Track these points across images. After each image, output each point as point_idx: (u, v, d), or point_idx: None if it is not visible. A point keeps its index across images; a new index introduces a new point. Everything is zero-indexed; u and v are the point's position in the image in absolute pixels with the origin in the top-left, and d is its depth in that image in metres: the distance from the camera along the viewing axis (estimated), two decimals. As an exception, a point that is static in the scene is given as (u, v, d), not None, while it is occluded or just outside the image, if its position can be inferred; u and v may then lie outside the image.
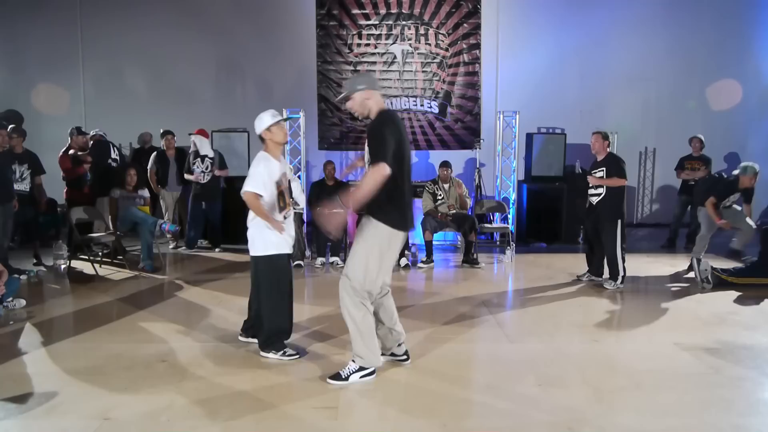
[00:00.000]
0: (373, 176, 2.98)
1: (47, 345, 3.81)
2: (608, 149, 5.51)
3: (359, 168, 3.40)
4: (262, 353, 3.57)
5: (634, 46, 9.34)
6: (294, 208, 3.83)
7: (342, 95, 3.19)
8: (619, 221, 5.34)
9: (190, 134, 7.37)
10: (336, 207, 3.12)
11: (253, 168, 3.46)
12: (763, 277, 5.36)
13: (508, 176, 8.21)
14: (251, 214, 3.47)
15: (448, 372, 3.37)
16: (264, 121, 3.50)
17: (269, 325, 3.55)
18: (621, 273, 5.36)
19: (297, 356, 3.55)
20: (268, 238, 3.45)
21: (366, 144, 3.21)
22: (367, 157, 3.21)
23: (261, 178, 3.40)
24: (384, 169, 2.98)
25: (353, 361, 3.21)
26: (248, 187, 3.38)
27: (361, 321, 3.15)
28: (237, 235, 7.60)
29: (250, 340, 3.82)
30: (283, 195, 3.54)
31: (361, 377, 3.18)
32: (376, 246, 3.12)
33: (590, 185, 5.50)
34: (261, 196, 3.40)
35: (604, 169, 5.38)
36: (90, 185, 6.88)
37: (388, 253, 3.18)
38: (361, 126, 8.62)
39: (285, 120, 3.64)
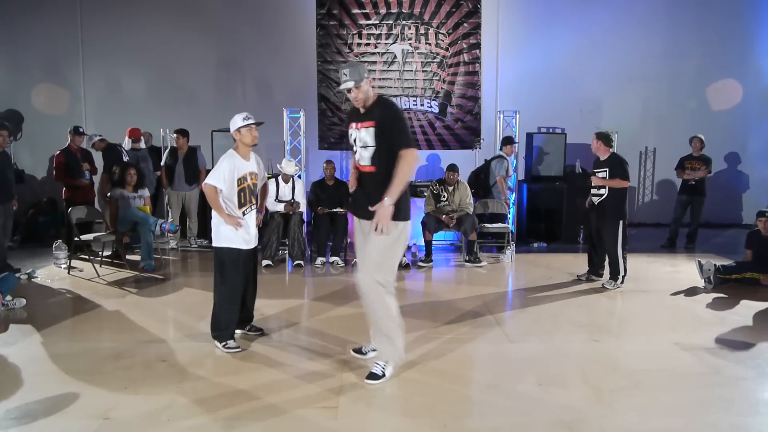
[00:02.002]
0: (409, 163, 3.06)
1: (47, 345, 3.81)
2: (611, 149, 5.49)
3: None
4: (215, 342, 3.76)
5: (634, 46, 9.34)
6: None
7: (350, 84, 3.11)
8: (621, 222, 5.35)
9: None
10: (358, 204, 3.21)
11: (218, 164, 3.68)
12: (761, 273, 5.36)
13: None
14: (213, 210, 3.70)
15: (449, 371, 3.38)
16: (236, 122, 3.69)
17: (215, 315, 3.77)
18: (622, 273, 5.38)
19: (238, 350, 3.68)
20: (222, 231, 3.69)
21: (370, 131, 3.17)
22: (368, 141, 3.17)
23: (222, 174, 3.61)
24: (416, 154, 3.09)
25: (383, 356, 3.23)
26: (209, 181, 3.63)
27: (392, 315, 3.18)
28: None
29: (245, 332, 3.96)
30: (244, 192, 3.72)
31: (394, 369, 3.23)
32: (394, 242, 3.14)
33: (592, 185, 5.51)
34: (221, 190, 3.62)
35: (607, 169, 5.38)
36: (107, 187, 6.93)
37: (404, 242, 3.23)
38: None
39: (258, 124, 3.74)
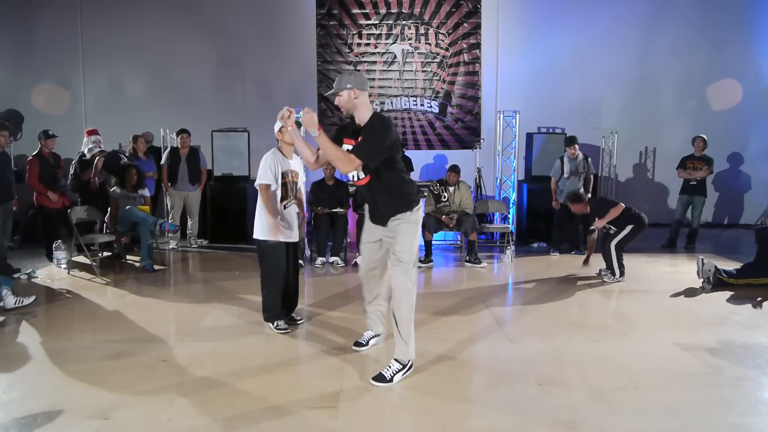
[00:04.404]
0: (343, 161, 3.07)
1: (47, 345, 3.81)
2: (586, 203, 5.95)
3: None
4: (266, 323, 4.10)
5: (634, 46, 9.35)
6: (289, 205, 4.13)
7: (331, 91, 3.25)
8: (630, 226, 5.61)
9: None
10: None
11: (263, 163, 3.94)
12: (761, 277, 5.37)
13: (508, 176, 8.22)
14: (258, 203, 3.95)
15: (448, 371, 3.37)
16: (277, 124, 3.95)
17: (264, 301, 4.06)
18: (617, 268, 5.56)
19: (287, 330, 4.01)
20: (264, 224, 3.93)
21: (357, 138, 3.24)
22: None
23: (267, 169, 3.90)
24: (354, 164, 3.09)
25: (396, 360, 3.23)
26: (259, 180, 3.91)
27: (411, 313, 3.23)
28: (236, 233, 7.68)
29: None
30: (286, 186, 3.99)
31: (403, 375, 3.21)
32: (415, 226, 3.27)
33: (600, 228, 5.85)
34: (270, 186, 3.88)
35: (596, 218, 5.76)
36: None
37: (419, 230, 3.35)
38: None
39: (298, 125, 3.93)
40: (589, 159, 7.25)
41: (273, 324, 4.04)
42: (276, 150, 3.99)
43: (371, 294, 3.63)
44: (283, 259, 4.00)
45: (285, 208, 3.99)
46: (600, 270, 5.78)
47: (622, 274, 5.56)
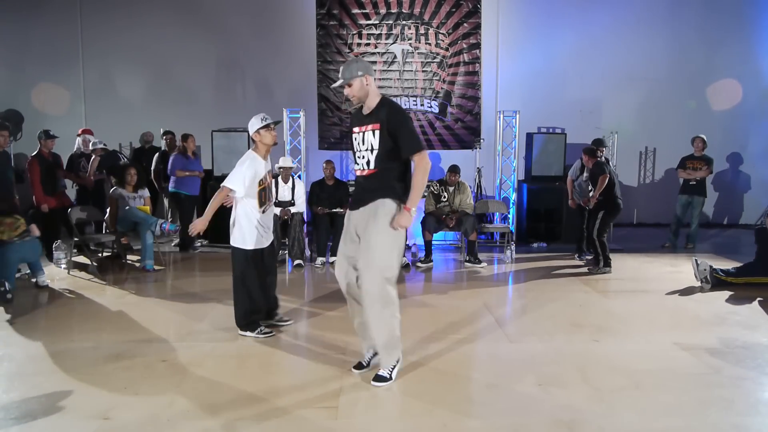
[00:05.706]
0: (425, 168, 3.06)
1: (47, 344, 3.81)
2: (596, 157, 6.21)
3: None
4: (240, 333, 3.94)
5: (634, 46, 9.35)
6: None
7: (339, 82, 3.15)
8: (602, 212, 5.93)
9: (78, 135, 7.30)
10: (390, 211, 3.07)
11: (238, 166, 3.78)
12: (760, 276, 5.37)
13: (508, 176, 8.21)
14: (234, 211, 3.85)
15: (448, 371, 3.37)
16: (254, 124, 3.83)
17: (236, 310, 3.94)
18: (602, 258, 5.88)
19: (272, 334, 3.93)
20: (240, 233, 3.83)
21: (376, 133, 3.11)
22: (373, 144, 3.11)
23: (243, 178, 3.72)
24: (427, 155, 3.09)
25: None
26: (228, 182, 3.74)
27: (391, 316, 3.09)
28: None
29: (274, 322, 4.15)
30: (264, 191, 3.87)
31: (398, 370, 3.21)
32: (395, 234, 3.10)
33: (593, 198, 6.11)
34: (233, 191, 3.74)
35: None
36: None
37: (404, 231, 3.19)
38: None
39: (275, 123, 3.90)
40: (611, 163, 7.15)
41: (255, 331, 3.90)
42: (254, 155, 3.80)
43: (357, 325, 3.40)
44: (257, 266, 3.89)
45: (264, 212, 3.85)
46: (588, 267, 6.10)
47: (606, 264, 5.88)
